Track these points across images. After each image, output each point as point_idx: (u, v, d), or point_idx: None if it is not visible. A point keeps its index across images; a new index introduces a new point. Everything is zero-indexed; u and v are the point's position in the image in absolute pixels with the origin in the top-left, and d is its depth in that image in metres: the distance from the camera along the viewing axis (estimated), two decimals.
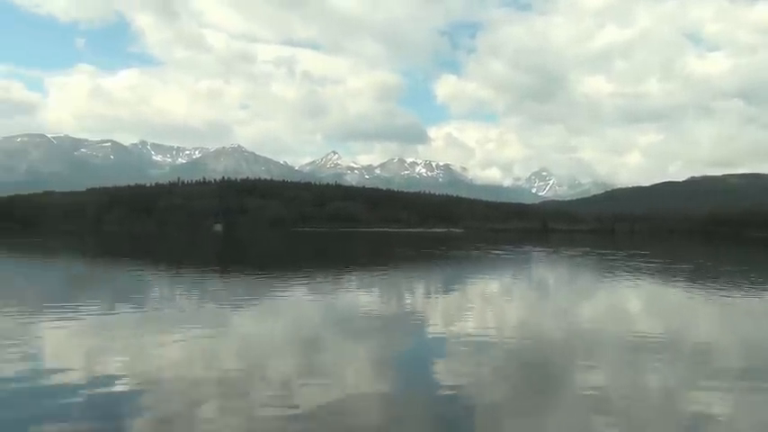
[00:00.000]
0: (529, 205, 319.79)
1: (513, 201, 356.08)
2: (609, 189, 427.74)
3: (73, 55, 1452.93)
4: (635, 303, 22.00)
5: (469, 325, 16.37)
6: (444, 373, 11.22)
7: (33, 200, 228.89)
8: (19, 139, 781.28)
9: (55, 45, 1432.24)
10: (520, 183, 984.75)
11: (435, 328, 16.12)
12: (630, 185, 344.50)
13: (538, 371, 11.44)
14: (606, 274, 34.01)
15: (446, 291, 25.74)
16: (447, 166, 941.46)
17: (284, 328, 15.89)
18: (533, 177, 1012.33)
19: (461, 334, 14.88)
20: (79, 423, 8.21)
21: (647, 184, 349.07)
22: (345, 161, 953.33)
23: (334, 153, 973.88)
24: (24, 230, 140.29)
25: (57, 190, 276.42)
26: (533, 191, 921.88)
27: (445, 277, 32.72)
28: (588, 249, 64.78)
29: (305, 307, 19.91)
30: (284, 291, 23.82)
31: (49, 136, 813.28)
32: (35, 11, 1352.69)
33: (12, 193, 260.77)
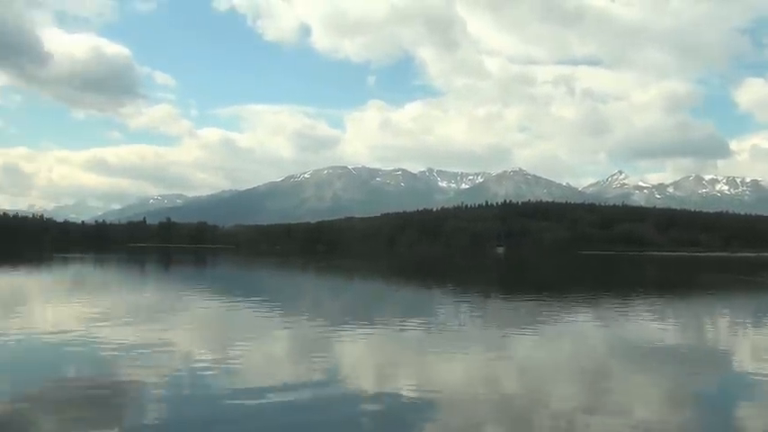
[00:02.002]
0: None
1: None
2: None
3: (365, 92, 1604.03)
4: None
5: None
6: (752, 419, 9.59)
7: (336, 225, 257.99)
8: (325, 172, 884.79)
9: (350, 85, 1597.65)
10: None
11: (745, 365, 13.98)
12: None
13: None
14: None
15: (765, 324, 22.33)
16: (755, 182, 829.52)
17: (566, 354, 15.20)
18: None
19: None
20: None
21: None
22: (632, 180, 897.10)
23: (620, 172, 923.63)
24: (329, 252, 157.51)
25: (356, 216, 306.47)
26: None
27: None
28: None
29: (590, 334, 18.89)
30: (567, 316, 22.92)
31: (349, 167, 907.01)
32: (334, 56, 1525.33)
33: (320, 220, 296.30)
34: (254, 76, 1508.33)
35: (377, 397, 10.40)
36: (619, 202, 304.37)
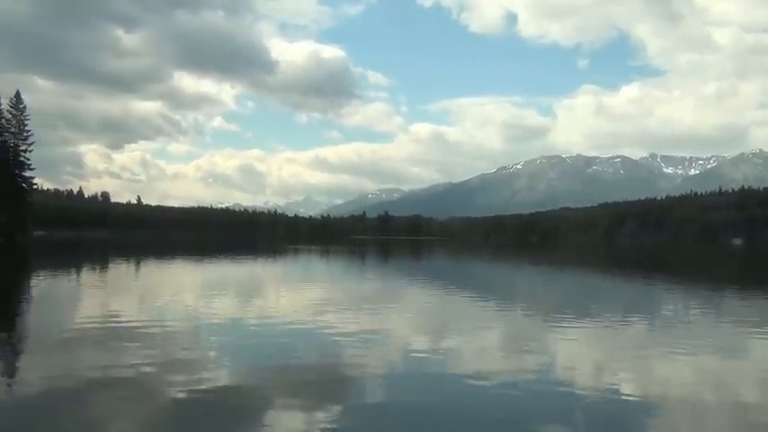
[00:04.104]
0: None
1: None
2: None
3: (577, 77, 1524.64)
4: None
5: None
6: None
7: (550, 216, 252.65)
8: (538, 161, 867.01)
9: (560, 70, 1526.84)
10: None
11: None
12: None
13: None
14: None
15: None
16: None
17: None
18: None
19: None
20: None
21: None
22: None
23: None
24: (542, 243, 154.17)
25: (571, 206, 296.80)
26: None
27: None
28: None
29: None
30: None
31: (563, 156, 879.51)
32: (540, 41, 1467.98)
33: (533, 211, 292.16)
34: (461, 69, 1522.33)
35: (591, 393, 9.90)
36: None
